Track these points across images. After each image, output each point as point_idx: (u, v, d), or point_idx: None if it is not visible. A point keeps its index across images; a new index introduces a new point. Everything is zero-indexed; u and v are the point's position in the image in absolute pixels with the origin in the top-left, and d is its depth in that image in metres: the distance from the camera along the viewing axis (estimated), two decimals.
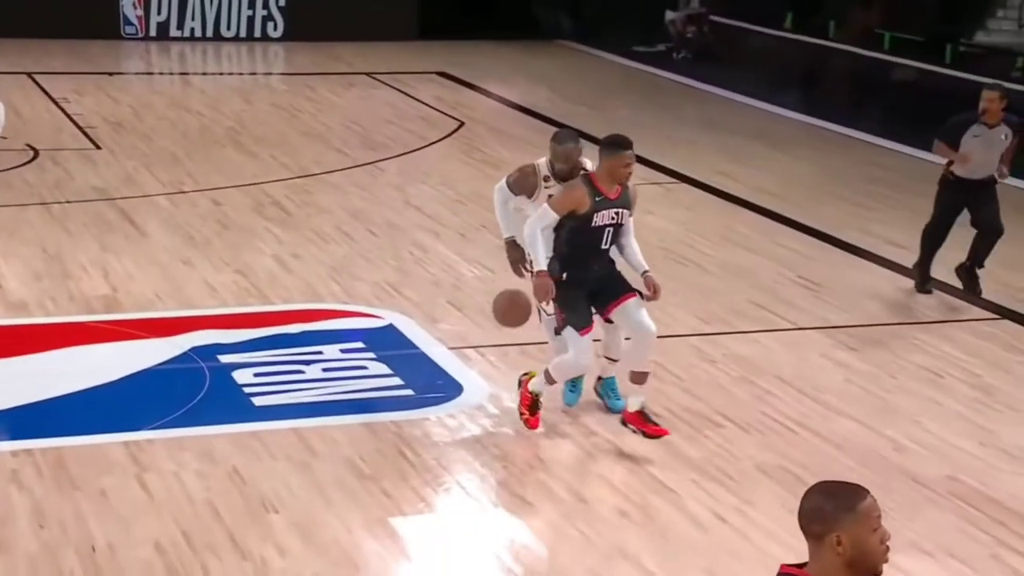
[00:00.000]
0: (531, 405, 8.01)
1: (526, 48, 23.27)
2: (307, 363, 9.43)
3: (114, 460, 8.06)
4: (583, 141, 8.23)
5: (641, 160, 15.44)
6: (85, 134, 16.32)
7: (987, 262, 11.91)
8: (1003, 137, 9.53)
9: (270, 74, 22.39)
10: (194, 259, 11.70)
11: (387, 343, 10.00)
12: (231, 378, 9.19)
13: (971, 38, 21.72)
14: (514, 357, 9.97)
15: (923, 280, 10.89)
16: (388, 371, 9.31)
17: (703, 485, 7.45)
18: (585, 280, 7.56)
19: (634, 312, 7.45)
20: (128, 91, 19.15)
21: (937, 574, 6.67)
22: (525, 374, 8.10)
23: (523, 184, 8.03)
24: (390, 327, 10.06)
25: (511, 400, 9.06)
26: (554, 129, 16.79)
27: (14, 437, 8.57)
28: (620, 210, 7.31)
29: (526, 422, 7.97)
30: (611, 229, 7.30)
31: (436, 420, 8.82)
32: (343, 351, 9.66)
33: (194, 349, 9.66)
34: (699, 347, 9.40)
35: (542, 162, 8.01)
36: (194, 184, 14.17)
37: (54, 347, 10.09)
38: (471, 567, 7.42)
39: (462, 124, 17.41)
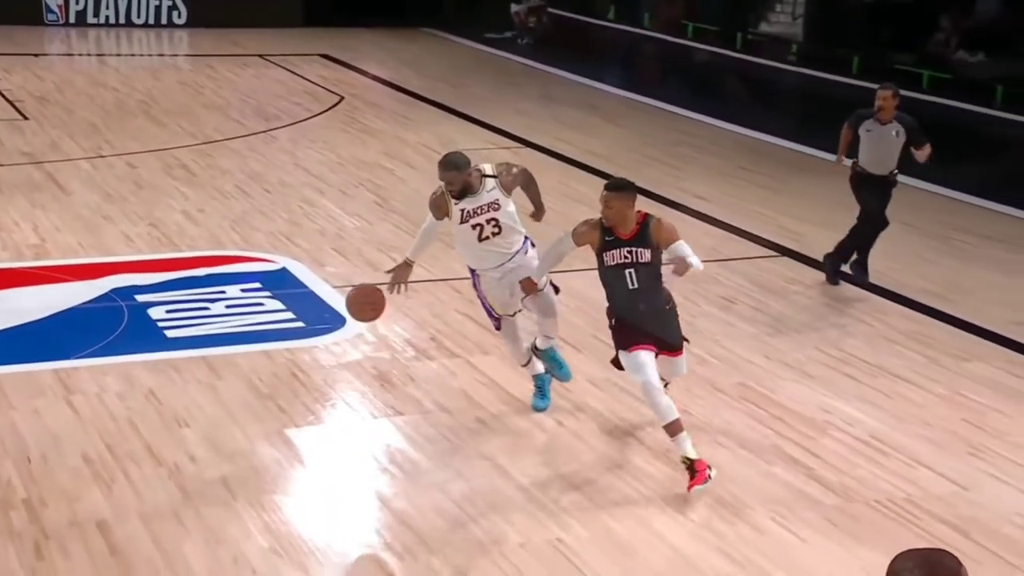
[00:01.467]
0: (690, 470, 6.05)
1: (396, 34, 23.13)
2: (212, 301, 9.43)
3: (45, 384, 8.02)
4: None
5: (491, 128, 15.67)
6: (14, 107, 16.00)
7: (767, 208, 12.21)
8: (895, 135, 8.53)
9: (176, 55, 21.97)
10: (112, 214, 11.59)
11: (281, 283, 10.01)
12: (147, 314, 9.18)
13: (756, 28, 22.12)
14: (391, 295, 10.16)
15: (834, 272, 9.58)
16: (282, 307, 9.34)
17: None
18: (635, 320, 6.13)
19: (678, 367, 6.44)
20: (51, 70, 18.73)
21: (730, 460, 6.90)
22: (685, 461, 5.99)
23: (438, 208, 6.85)
24: (283, 270, 10.05)
25: (386, 330, 9.14)
26: (419, 103, 17.21)
27: None
28: (635, 249, 5.90)
29: (691, 487, 5.97)
30: (632, 270, 5.90)
31: (323, 347, 8.91)
32: (243, 290, 9.67)
33: (114, 290, 9.60)
34: None
35: (443, 184, 6.81)
36: (111, 150, 13.97)
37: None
38: (353, 469, 7.46)
39: (342, 98, 17.36)
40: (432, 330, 9.40)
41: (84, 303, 9.52)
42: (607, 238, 5.96)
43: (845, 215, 10.75)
